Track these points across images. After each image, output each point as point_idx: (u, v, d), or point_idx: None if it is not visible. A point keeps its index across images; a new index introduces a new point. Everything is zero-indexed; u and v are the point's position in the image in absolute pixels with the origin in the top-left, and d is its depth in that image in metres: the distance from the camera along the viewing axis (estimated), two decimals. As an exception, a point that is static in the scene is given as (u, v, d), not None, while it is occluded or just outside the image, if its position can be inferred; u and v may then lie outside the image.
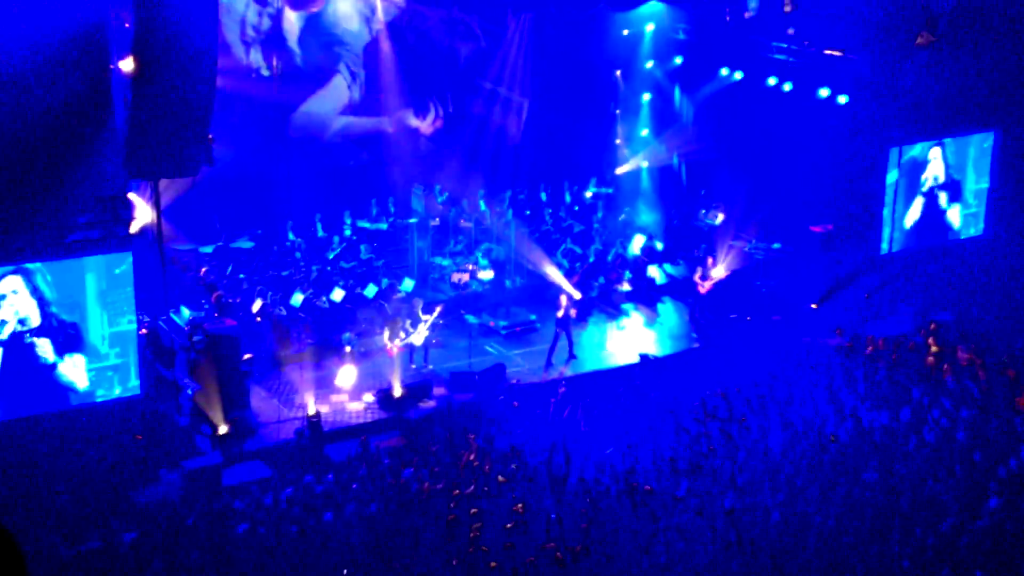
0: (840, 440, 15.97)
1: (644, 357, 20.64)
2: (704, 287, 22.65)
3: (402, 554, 13.55)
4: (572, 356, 21.04)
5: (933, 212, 24.23)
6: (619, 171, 26.97)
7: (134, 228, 17.65)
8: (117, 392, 16.90)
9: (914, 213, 23.99)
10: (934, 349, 19.28)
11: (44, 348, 16.43)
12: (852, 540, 13.10)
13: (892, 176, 23.24)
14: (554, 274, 23.17)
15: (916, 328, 21.19)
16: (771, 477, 15.00)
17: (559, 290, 22.01)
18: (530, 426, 17.91)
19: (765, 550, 13.02)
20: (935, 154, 23.96)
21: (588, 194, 26.15)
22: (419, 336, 20.36)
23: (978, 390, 17.39)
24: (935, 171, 23.99)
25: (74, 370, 16.60)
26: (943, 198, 24.24)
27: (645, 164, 27.00)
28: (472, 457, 16.15)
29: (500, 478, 15.42)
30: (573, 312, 21.44)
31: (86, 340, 16.62)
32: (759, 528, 13.58)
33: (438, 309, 20.89)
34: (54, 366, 16.51)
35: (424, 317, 20.47)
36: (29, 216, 16.11)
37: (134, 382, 17.01)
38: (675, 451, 16.16)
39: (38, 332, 16.35)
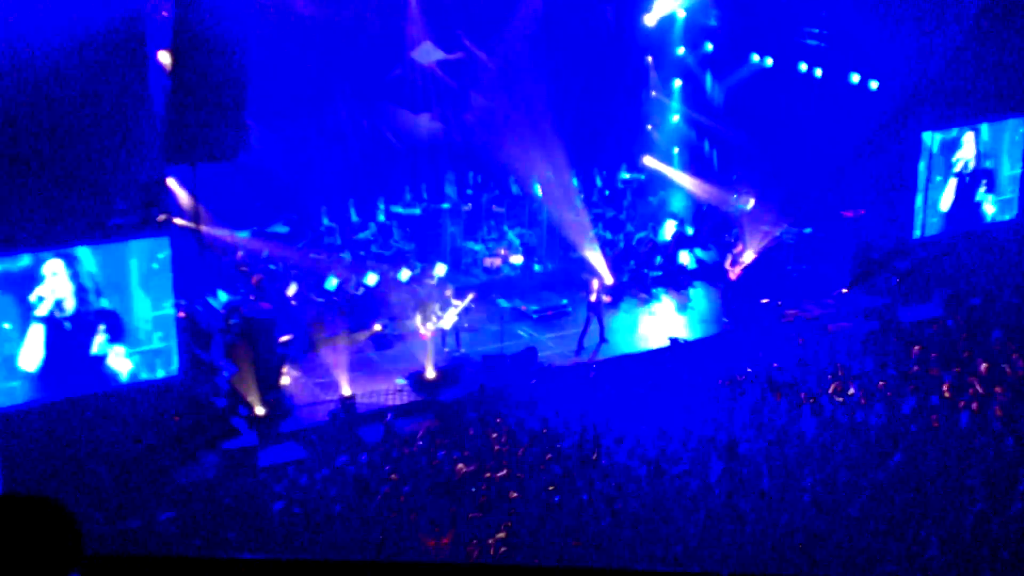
0: (871, 424, 16.04)
1: (674, 341, 20.74)
2: (734, 273, 22.72)
3: (433, 535, 13.76)
4: (603, 340, 21.17)
5: (966, 197, 24.15)
6: (646, 161, 26.89)
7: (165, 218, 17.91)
8: (161, 375, 17.21)
9: (948, 196, 23.92)
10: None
11: (85, 334, 16.76)
12: (883, 523, 13.18)
13: (924, 161, 23.19)
14: (592, 257, 23.27)
15: (948, 313, 21.17)
16: (802, 461, 15.09)
17: (590, 274, 22.15)
18: (561, 409, 18.05)
19: (796, 533, 13.13)
20: (968, 138, 23.86)
21: (623, 178, 26.18)
22: (448, 320, 20.53)
23: (1011, 375, 17.38)
24: (967, 155, 23.90)
25: (116, 357, 16.91)
26: (976, 184, 24.15)
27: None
28: (504, 439, 16.35)
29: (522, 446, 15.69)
30: (606, 297, 21.55)
31: (129, 326, 16.92)
32: (790, 512, 13.67)
33: (470, 296, 21.07)
34: (97, 353, 16.82)
35: (455, 302, 20.65)
36: (69, 201, 16.39)
37: (176, 366, 17.32)
38: (706, 434, 16.27)
39: (78, 318, 16.65)
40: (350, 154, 23.74)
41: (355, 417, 18.08)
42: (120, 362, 16.94)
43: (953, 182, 23.82)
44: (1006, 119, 24.04)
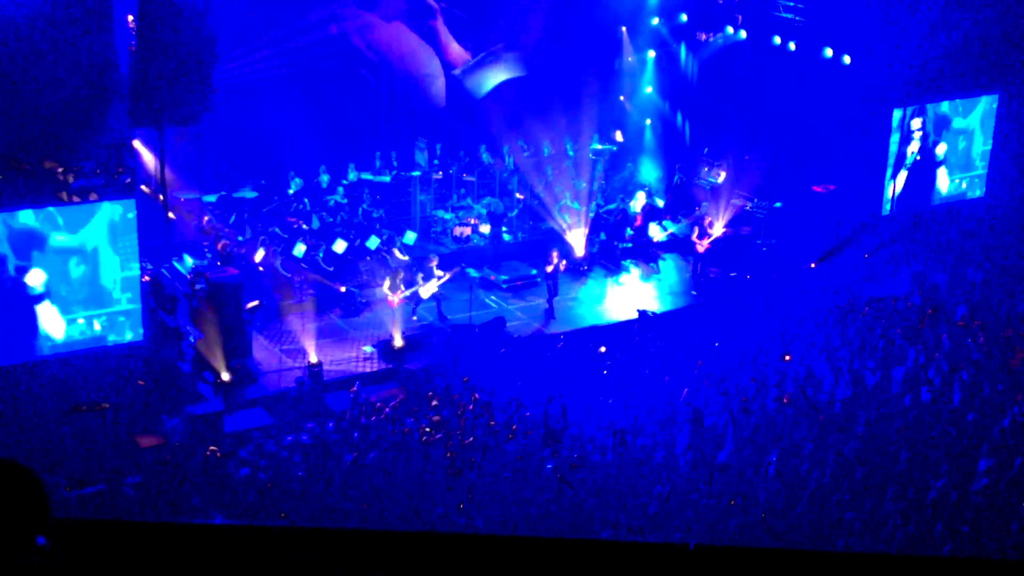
0: (836, 397, 16.14)
1: (643, 314, 20.76)
2: (702, 245, 22.76)
3: (400, 502, 13.75)
4: (551, 315, 21.23)
5: (936, 174, 24.33)
6: (618, 136, 26.77)
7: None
8: (129, 337, 17.14)
9: (912, 179, 24.15)
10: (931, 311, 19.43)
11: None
12: (845, 497, 13.28)
13: (895, 137, 23.28)
14: (569, 227, 23.29)
15: (914, 289, 21.32)
16: (766, 434, 15.17)
17: (555, 245, 22.16)
18: (528, 379, 18.05)
19: (759, 506, 13.21)
20: (939, 115, 23.99)
21: (594, 149, 26.08)
22: (427, 291, 20.37)
23: (975, 350, 17.52)
24: (939, 131, 24.06)
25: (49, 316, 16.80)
26: (947, 161, 24.32)
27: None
28: (471, 408, 16.34)
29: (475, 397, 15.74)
30: (563, 266, 21.51)
31: (98, 286, 16.79)
32: (753, 484, 13.76)
33: (456, 269, 20.95)
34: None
35: (438, 273, 20.49)
36: (34, 162, 16.18)
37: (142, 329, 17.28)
38: (672, 406, 16.33)
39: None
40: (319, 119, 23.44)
41: (322, 384, 18.01)
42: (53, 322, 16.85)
43: (916, 168, 24.06)
44: (979, 96, 24.15)
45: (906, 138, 23.59)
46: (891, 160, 23.50)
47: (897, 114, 23.28)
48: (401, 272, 20.34)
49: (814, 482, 13.60)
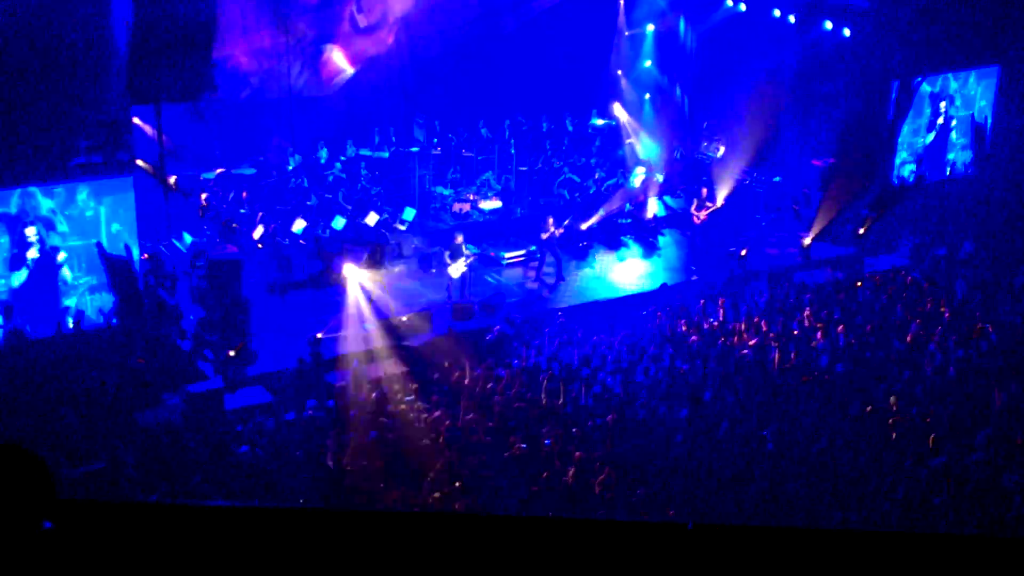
0: (835, 372, 16.17)
1: (664, 286, 20.79)
2: (700, 217, 22.73)
3: (403, 480, 13.79)
4: (561, 279, 21.21)
5: (944, 147, 24.34)
6: (616, 109, 26.70)
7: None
8: None
9: (926, 148, 24.14)
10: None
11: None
12: (846, 471, 13.32)
13: (895, 108, 23.22)
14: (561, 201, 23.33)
15: (913, 263, 21.31)
16: (766, 407, 15.19)
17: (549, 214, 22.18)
18: (529, 353, 18.05)
19: (759, 479, 13.25)
20: (944, 86, 23.95)
21: (593, 124, 26.01)
22: (456, 269, 20.27)
23: (974, 326, 17.52)
24: (942, 104, 24.02)
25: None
26: (949, 132, 24.30)
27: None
28: (468, 383, 16.34)
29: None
30: (558, 232, 21.47)
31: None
32: (753, 457, 13.79)
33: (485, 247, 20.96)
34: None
35: (467, 251, 20.42)
36: (32, 140, 16.14)
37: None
38: (672, 378, 16.34)
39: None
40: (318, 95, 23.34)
41: (322, 362, 18.00)
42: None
43: (931, 135, 24.01)
44: (975, 68, 24.09)
45: (935, 110, 23.63)
46: (893, 132, 23.45)
47: (899, 85, 23.20)
48: (378, 247, 20.17)
49: (814, 456, 13.64)
